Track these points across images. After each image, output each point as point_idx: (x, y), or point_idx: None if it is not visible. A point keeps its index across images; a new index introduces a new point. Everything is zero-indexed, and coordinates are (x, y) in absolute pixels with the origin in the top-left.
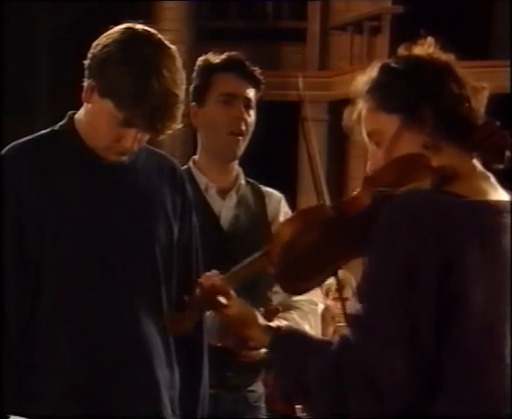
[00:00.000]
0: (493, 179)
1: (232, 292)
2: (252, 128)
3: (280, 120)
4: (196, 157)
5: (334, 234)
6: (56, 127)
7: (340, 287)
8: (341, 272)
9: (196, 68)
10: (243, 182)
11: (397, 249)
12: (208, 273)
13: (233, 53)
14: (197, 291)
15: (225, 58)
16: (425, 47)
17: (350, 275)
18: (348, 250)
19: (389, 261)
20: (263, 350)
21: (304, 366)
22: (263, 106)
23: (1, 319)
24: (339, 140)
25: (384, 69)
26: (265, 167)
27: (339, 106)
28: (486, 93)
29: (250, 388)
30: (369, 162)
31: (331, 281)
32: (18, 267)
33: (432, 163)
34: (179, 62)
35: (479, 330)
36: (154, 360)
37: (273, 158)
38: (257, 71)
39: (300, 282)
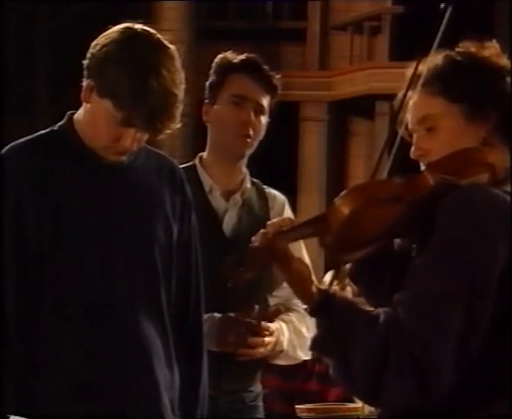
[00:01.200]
0: None
1: (289, 248)
2: (261, 133)
3: (280, 120)
4: (203, 155)
5: (395, 211)
6: (55, 127)
7: (339, 287)
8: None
9: (213, 65)
10: (248, 185)
11: (467, 244)
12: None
13: (251, 55)
14: (256, 245)
15: (242, 59)
16: (488, 49)
17: None
18: (400, 229)
19: (456, 255)
20: (260, 350)
21: (350, 334)
22: None
23: (1, 319)
24: (339, 140)
25: (449, 59)
26: (265, 167)
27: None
28: None
29: (247, 389)
30: (414, 147)
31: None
32: (19, 267)
33: (489, 161)
34: (178, 62)
35: None
36: (153, 360)
37: (272, 158)
38: (273, 76)
39: (348, 254)
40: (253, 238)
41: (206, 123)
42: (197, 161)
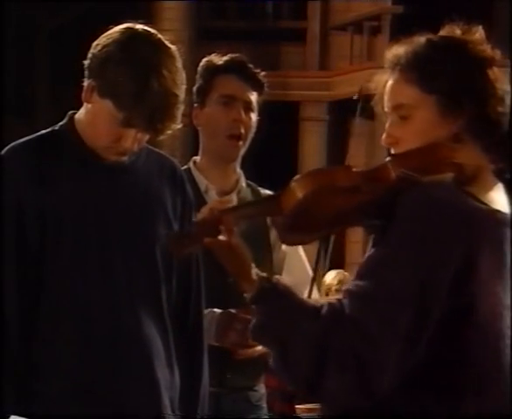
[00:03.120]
0: (502, 188)
1: (235, 228)
2: (252, 131)
3: (280, 120)
4: (197, 158)
5: (351, 200)
6: (56, 127)
7: (338, 287)
8: (341, 274)
9: (199, 69)
10: (244, 184)
11: (421, 243)
12: (217, 201)
13: (236, 55)
14: (203, 216)
15: (227, 60)
16: (473, 34)
17: (350, 276)
18: (356, 218)
19: (407, 249)
20: (259, 347)
21: (289, 324)
22: (263, 106)
23: (1, 319)
24: (339, 141)
25: (431, 45)
26: (265, 167)
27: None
28: (509, 100)
29: (252, 388)
30: (385, 134)
31: (331, 281)
32: (19, 267)
33: (458, 160)
34: (179, 62)
35: (484, 341)
36: (154, 360)
37: (272, 158)
38: (259, 73)
39: (301, 236)
40: (201, 210)
41: (197, 127)
42: (191, 164)
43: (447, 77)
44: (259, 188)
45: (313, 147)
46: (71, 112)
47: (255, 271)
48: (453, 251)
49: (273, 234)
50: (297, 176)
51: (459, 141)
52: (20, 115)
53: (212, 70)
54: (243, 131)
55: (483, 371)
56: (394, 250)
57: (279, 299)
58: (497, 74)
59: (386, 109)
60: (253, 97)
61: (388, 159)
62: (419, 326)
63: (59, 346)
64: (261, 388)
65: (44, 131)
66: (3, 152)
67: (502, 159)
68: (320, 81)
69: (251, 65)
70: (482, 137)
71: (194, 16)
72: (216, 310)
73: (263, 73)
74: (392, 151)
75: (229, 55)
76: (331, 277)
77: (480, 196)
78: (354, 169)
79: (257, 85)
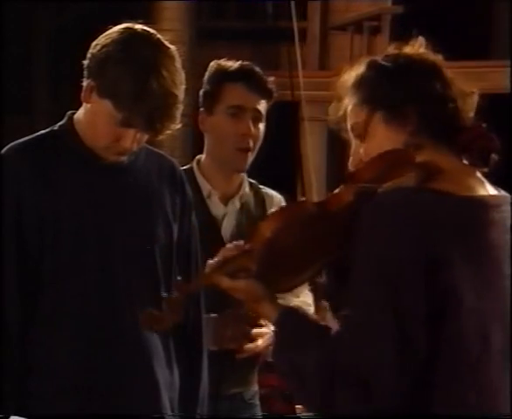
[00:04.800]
0: (479, 175)
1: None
2: (260, 141)
3: (280, 120)
4: (201, 158)
5: (316, 231)
6: (55, 127)
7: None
8: None
9: (207, 73)
10: (247, 189)
11: (381, 249)
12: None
13: (245, 63)
14: (176, 292)
15: (237, 68)
16: (416, 47)
17: None
18: (330, 248)
19: (373, 261)
20: (260, 342)
21: (303, 351)
22: None
23: (1, 319)
24: (339, 141)
25: (372, 65)
26: (264, 167)
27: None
28: (475, 98)
29: (245, 387)
30: (351, 158)
31: None
32: (18, 267)
33: (415, 160)
34: (178, 62)
35: (471, 328)
36: (153, 360)
37: (272, 158)
38: (268, 81)
39: (282, 280)
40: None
41: (203, 132)
42: (194, 164)
43: (387, 91)
44: (261, 187)
45: (313, 147)
46: (70, 112)
47: (274, 301)
48: (415, 250)
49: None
50: (261, 221)
51: (415, 146)
52: (20, 115)
53: (221, 77)
54: (251, 144)
55: (473, 359)
56: (362, 265)
57: (293, 327)
58: (446, 75)
59: (350, 134)
60: (262, 106)
61: (342, 183)
62: (405, 328)
63: (59, 347)
64: (254, 387)
65: (43, 131)
66: (3, 152)
67: (473, 154)
68: (320, 81)
69: (260, 72)
70: (440, 136)
71: (194, 16)
72: (211, 315)
73: (271, 79)
74: None
75: (239, 63)
76: None
77: (447, 189)
78: (311, 201)
79: (266, 93)
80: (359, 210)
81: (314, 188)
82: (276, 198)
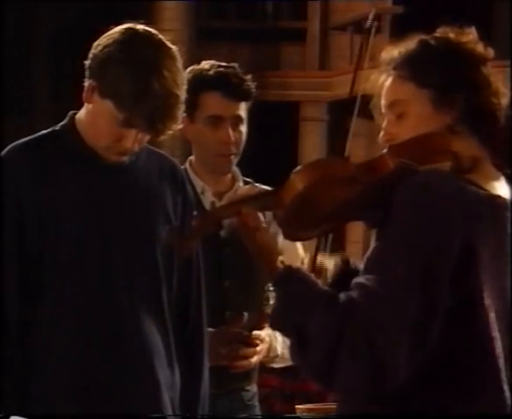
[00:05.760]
0: (503, 178)
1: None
2: (243, 143)
3: (280, 120)
4: (192, 159)
5: (351, 191)
6: (57, 127)
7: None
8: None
9: (185, 78)
10: (241, 183)
11: (422, 230)
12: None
13: (221, 69)
14: (202, 214)
15: (212, 75)
16: (466, 35)
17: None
18: (356, 210)
19: (412, 240)
20: (253, 359)
21: (307, 310)
22: (263, 106)
23: (1, 319)
24: (339, 141)
25: (424, 44)
26: (264, 167)
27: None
28: (506, 100)
29: (244, 388)
30: (382, 132)
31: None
32: (19, 267)
33: (455, 148)
34: (180, 62)
35: (488, 326)
36: (154, 360)
37: (272, 158)
38: (246, 82)
39: (302, 230)
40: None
41: (186, 138)
42: (187, 164)
43: (439, 72)
44: (257, 185)
45: (313, 147)
46: (71, 112)
47: (280, 259)
48: (452, 238)
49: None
50: (296, 168)
51: (454, 133)
52: (20, 115)
53: (197, 85)
54: (233, 149)
55: (492, 361)
56: (396, 239)
57: (298, 284)
58: (491, 71)
59: (383, 109)
60: (242, 108)
61: (385, 150)
62: (427, 313)
63: (59, 346)
64: (253, 388)
65: (44, 131)
66: (3, 152)
67: (498, 154)
68: (320, 81)
69: (237, 74)
70: (477, 128)
71: (194, 16)
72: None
73: (249, 79)
74: None
75: (215, 68)
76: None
77: (480, 184)
78: (352, 161)
79: (245, 96)
80: (396, 184)
81: None
82: None
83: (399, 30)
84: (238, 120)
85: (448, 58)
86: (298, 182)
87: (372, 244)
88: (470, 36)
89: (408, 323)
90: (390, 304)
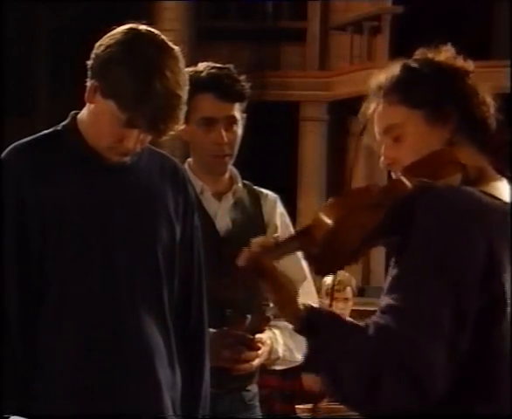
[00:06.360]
0: (505, 182)
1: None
2: (237, 144)
3: (280, 120)
4: (191, 161)
5: (377, 217)
6: (58, 127)
7: (339, 288)
8: (341, 274)
9: (188, 79)
10: (240, 184)
11: (446, 244)
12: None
13: (214, 70)
14: (242, 264)
15: (205, 77)
16: (444, 53)
17: (350, 276)
18: (380, 235)
19: (437, 256)
20: (255, 362)
21: (340, 349)
22: (263, 107)
23: (2, 319)
24: (339, 140)
25: (407, 67)
26: (264, 167)
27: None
28: (493, 108)
29: (244, 388)
30: (382, 157)
31: (331, 282)
32: (20, 267)
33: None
34: (182, 63)
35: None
36: (155, 360)
37: (272, 158)
38: (239, 83)
39: (338, 264)
40: (239, 258)
41: (184, 140)
42: (186, 165)
43: (428, 90)
44: (255, 188)
45: (313, 147)
46: (73, 112)
47: (300, 302)
48: (476, 247)
49: (269, 232)
50: (324, 205)
51: (453, 145)
52: (20, 115)
53: (191, 87)
54: (227, 150)
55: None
56: (420, 256)
57: (325, 327)
58: (475, 82)
59: (377, 135)
60: (236, 109)
61: (399, 174)
62: (459, 324)
63: (60, 346)
64: (254, 388)
65: (46, 131)
66: (5, 151)
67: (499, 158)
68: (320, 81)
69: (231, 76)
70: (473, 137)
71: (194, 16)
72: (210, 330)
73: (243, 79)
74: (392, 172)
75: (207, 70)
76: (331, 278)
77: (489, 192)
78: (373, 187)
79: (238, 97)
80: (416, 202)
81: (314, 188)
82: (271, 196)
83: (399, 31)
84: (232, 120)
85: (433, 76)
86: (327, 217)
87: (393, 263)
88: (448, 53)
89: (442, 337)
90: (422, 322)
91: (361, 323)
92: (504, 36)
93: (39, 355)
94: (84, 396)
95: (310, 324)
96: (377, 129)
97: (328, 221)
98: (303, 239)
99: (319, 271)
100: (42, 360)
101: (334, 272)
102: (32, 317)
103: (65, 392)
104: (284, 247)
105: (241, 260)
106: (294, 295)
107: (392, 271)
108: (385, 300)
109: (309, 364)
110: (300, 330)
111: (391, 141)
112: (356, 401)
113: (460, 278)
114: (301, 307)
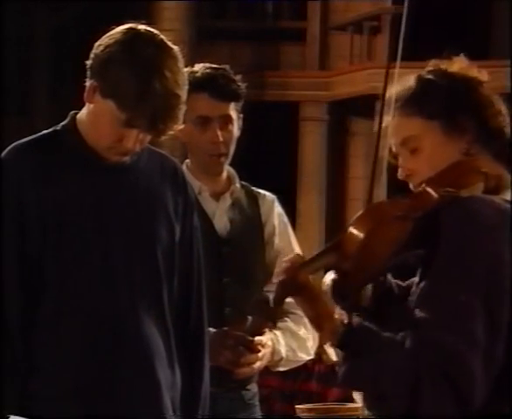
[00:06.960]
0: None
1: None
2: (233, 143)
3: (280, 120)
4: (188, 161)
5: (405, 229)
6: (58, 127)
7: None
8: None
9: (187, 79)
10: (238, 185)
11: (476, 253)
12: (284, 268)
13: (209, 70)
14: (283, 278)
15: (200, 77)
16: (457, 63)
17: None
18: (407, 248)
19: (468, 264)
20: (256, 365)
21: (379, 365)
22: (263, 106)
23: (2, 319)
24: (339, 140)
25: (421, 78)
26: (264, 167)
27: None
28: (508, 118)
29: (244, 387)
30: (400, 169)
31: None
32: (20, 268)
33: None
34: (181, 63)
35: None
36: (155, 360)
37: (272, 158)
38: (235, 83)
39: (369, 278)
40: (277, 272)
41: (180, 140)
42: (184, 166)
43: (444, 100)
44: (253, 188)
45: (313, 147)
46: (73, 112)
47: (336, 317)
48: (505, 255)
49: (267, 231)
50: (353, 219)
51: (471, 155)
52: (20, 115)
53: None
54: (223, 149)
55: None
56: (451, 267)
57: (366, 343)
58: (489, 92)
59: (393, 148)
60: (231, 109)
61: (423, 185)
62: (495, 333)
63: (60, 347)
64: (253, 387)
65: (45, 131)
66: (5, 151)
67: None
68: (320, 81)
69: (226, 75)
70: (490, 146)
71: (194, 16)
72: (210, 329)
73: (238, 79)
74: (410, 183)
75: (202, 70)
76: (331, 277)
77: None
78: (400, 199)
79: (233, 96)
80: (442, 213)
81: (314, 188)
82: (269, 197)
83: (399, 31)
84: (227, 120)
85: (448, 87)
86: (358, 230)
87: (419, 275)
88: (461, 63)
89: (479, 349)
90: (458, 331)
91: (397, 336)
92: (504, 36)
93: (39, 355)
94: (83, 396)
95: (349, 340)
96: (393, 141)
97: (360, 234)
98: (335, 253)
99: (350, 285)
100: (41, 360)
101: (361, 289)
102: (32, 317)
103: (64, 392)
104: (317, 262)
105: (279, 274)
106: (331, 310)
107: (420, 284)
108: (418, 313)
109: (348, 379)
110: (338, 346)
111: (408, 153)
112: (398, 413)
113: (492, 288)
114: (339, 323)
